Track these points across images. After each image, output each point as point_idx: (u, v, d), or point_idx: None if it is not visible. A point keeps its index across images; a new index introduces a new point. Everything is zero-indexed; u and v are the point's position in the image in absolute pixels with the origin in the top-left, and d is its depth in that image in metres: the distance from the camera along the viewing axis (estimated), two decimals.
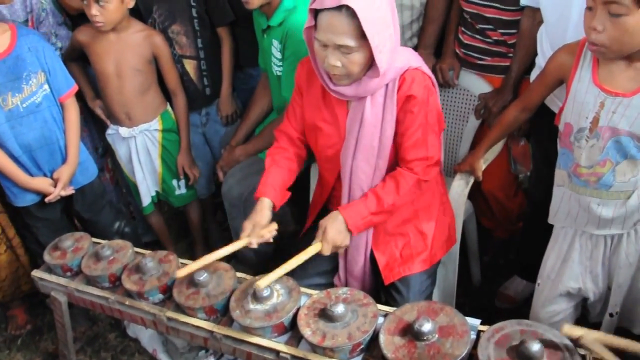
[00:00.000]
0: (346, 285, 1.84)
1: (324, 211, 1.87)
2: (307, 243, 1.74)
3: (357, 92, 1.64)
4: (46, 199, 2.16)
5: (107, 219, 2.42)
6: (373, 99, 1.65)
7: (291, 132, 1.87)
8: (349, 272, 1.84)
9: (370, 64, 1.59)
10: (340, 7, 1.48)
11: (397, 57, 1.61)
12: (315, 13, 1.56)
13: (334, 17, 1.50)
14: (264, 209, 1.73)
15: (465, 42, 2.27)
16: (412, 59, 1.66)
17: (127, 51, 2.28)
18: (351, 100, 1.69)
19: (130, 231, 2.53)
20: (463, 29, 2.27)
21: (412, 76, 1.62)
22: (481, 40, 2.22)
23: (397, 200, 1.69)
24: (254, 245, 1.69)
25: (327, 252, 1.64)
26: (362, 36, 1.51)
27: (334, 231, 1.64)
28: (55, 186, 2.16)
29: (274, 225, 1.73)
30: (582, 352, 1.33)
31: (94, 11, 2.11)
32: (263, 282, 1.53)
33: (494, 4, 2.10)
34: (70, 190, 2.22)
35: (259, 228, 1.69)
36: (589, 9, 1.42)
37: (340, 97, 1.68)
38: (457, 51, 2.33)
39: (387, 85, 1.63)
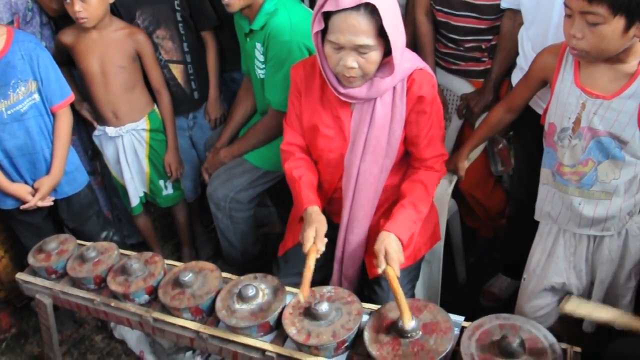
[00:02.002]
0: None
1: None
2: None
3: (369, 94, 1.64)
4: (21, 207, 2.14)
5: (94, 229, 2.39)
6: (382, 100, 1.65)
7: (300, 142, 1.85)
8: (344, 276, 1.86)
9: (380, 63, 1.60)
10: (358, 7, 1.48)
11: (404, 56, 1.62)
12: (325, 16, 1.54)
13: (352, 17, 1.49)
14: (320, 214, 1.71)
15: (439, 49, 2.30)
16: (416, 60, 1.68)
17: (111, 49, 2.27)
18: (355, 102, 1.69)
19: (118, 240, 2.52)
20: (437, 36, 2.28)
21: (421, 77, 1.65)
22: (454, 48, 2.24)
23: (429, 202, 1.73)
24: (321, 251, 1.64)
25: (398, 272, 1.59)
26: (378, 34, 1.52)
27: (395, 251, 1.61)
28: (34, 195, 2.13)
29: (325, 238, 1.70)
30: (564, 345, 1.35)
31: (78, 7, 2.10)
32: (408, 317, 1.41)
33: (470, 14, 2.11)
34: (48, 202, 2.18)
35: (322, 233, 1.66)
36: (567, 16, 1.45)
37: (349, 100, 1.67)
38: None
39: (394, 85, 1.65)
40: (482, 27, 2.13)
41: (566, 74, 1.59)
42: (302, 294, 1.50)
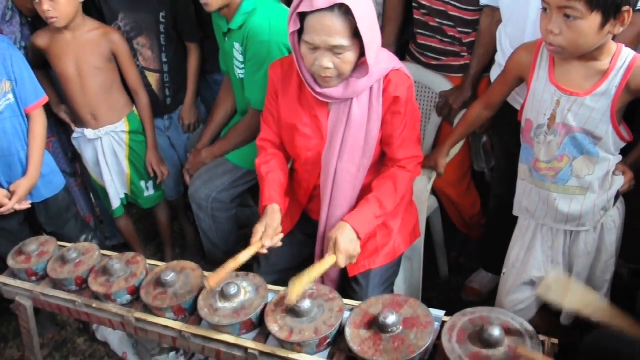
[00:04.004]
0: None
1: (303, 214, 1.89)
2: (296, 246, 1.74)
3: (345, 94, 1.65)
4: None
5: (72, 232, 2.36)
6: (358, 100, 1.66)
7: (274, 138, 1.86)
8: (326, 275, 1.85)
9: (356, 64, 1.61)
10: (332, 7, 1.49)
11: (380, 57, 1.63)
12: (301, 16, 1.55)
13: (327, 18, 1.50)
14: (275, 212, 1.71)
15: (420, 42, 2.31)
16: (393, 60, 1.69)
17: (86, 50, 2.25)
18: (332, 102, 1.70)
19: (98, 244, 2.49)
20: (418, 30, 2.29)
21: (397, 77, 1.66)
22: (438, 40, 2.25)
23: (396, 200, 1.74)
24: (266, 248, 1.66)
25: (343, 263, 1.62)
26: (353, 35, 1.53)
27: (346, 241, 1.63)
28: (11, 199, 2.10)
29: (281, 234, 1.71)
30: (542, 337, 1.37)
31: (46, 7, 2.07)
32: (292, 296, 1.45)
33: (452, 3, 2.12)
34: (26, 205, 2.15)
35: (271, 230, 1.67)
36: (544, 10, 1.47)
37: (326, 100, 1.68)
38: (412, 50, 2.37)
39: (371, 86, 1.66)
40: (465, 17, 2.14)
41: (541, 71, 1.61)
42: (208, 280, 1.53)
